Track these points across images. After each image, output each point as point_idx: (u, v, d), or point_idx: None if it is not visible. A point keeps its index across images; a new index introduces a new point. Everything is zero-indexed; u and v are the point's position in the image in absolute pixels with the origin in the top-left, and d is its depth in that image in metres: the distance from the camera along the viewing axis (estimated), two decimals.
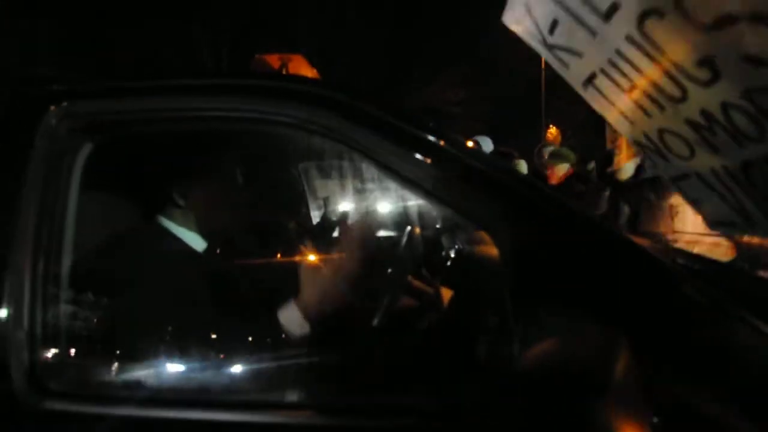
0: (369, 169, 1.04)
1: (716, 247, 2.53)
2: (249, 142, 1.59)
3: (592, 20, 0.93)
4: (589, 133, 15.67)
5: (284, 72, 1.95)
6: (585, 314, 0.66)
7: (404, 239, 1.26)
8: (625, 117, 1.16)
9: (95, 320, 1.00)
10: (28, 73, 1.10)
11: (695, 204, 1.23)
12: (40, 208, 0.88)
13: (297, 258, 1.87)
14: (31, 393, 0.81)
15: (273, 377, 0.89)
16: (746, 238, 2.58)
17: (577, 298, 0.73)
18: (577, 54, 1.09)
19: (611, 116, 1.22)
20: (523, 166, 4.41)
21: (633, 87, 1.03)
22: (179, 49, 13.99)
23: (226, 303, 1.10)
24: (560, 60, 1.17)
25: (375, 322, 0.99)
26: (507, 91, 18.45)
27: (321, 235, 2.40)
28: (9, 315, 0.83)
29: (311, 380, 0.89)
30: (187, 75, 1.03)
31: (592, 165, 6.63)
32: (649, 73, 0.94)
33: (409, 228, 1.32)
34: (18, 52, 9.43)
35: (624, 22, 0.87)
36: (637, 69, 0.95)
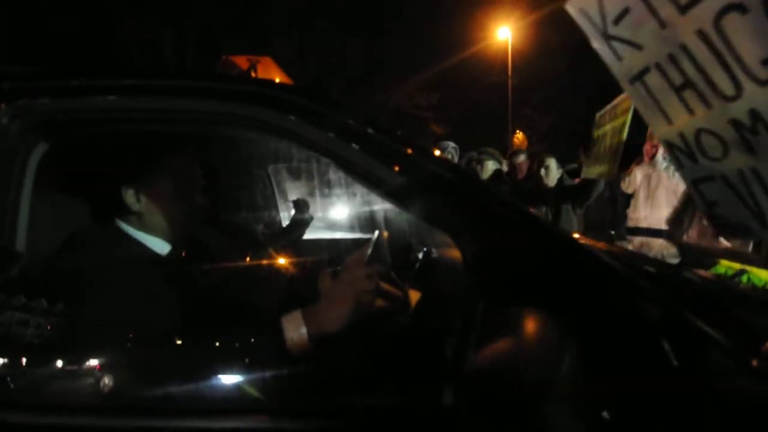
0: (336, 173, 1.04)
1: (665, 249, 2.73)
2: (208, 143, 1.56)
3: (667, 12, 0.95)
4: (553, 139, 16.16)
5: (253, 73, 1.93)
6: (538, 314, 0.68)
7: (372, 243, 1.26)
8: (666, 115, 1.18)
9: (48, 326, 0.96)
10: None
11: (710, 207, 1.25)
12: None
13: (264, 260, 1.84)
14: None
15: (241, 383, 0.87)
16: (685, 238, 2.76)
17: (532, 298, 0.75)
18: (637, 47, 1.11)
19: (650, 114, 1.23)
20: (489, 168, 4.46)
21: (685, 84, 1.05)
22: (144, 46, 13.61)
23: (189, 306, 1.08)
24: (614, 52, 1.18)
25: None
26: (476, 97, 18.81)
27: (288, 238, 2.38)
28: None
29: (290, 384, 0.88)
30: (145, 75, 1.00)
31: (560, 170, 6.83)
32: (709, 70, 0.97)
33: (377, 232, 1.32)
34: None
35: (700, 16, 0.89)
36: (698, 65, 0.98)
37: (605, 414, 0.52)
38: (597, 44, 1.24)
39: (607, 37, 1.19)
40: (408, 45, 17.06)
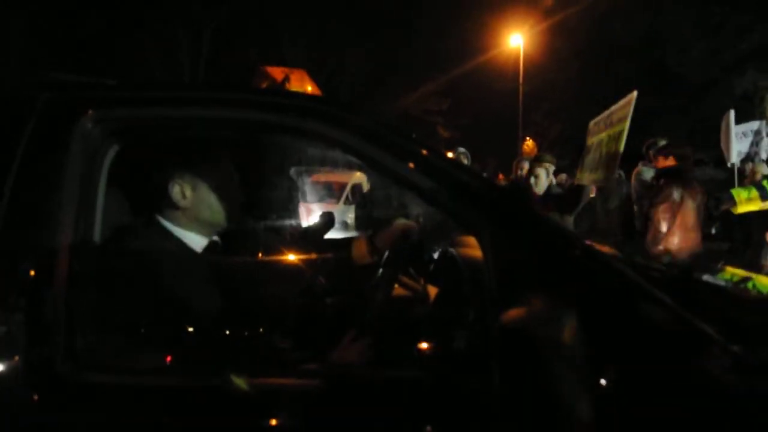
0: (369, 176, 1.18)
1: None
2: (249, 148, 1.70)
3: None
4: (562, 146, 16.21)
5: (287, 84, 2.08)
6: (549, 300, 0.80)
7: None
8: None
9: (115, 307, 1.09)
10: (55, 79, 1.18)
11: None
12: (78, 205, 0.98)
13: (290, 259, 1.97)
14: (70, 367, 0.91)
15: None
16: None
17: (546, 290, 0.88)
18: None
19: None
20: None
21: None
22: (160, 50, 13.88)
23: (226, 298, 1.20)
24: None
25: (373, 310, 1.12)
26: (487, 103, 18.91)
27: (309, 239, 2.51)
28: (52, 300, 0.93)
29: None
30: (205, 88, 1.14)
31: (564, 176, 6.94)
32: None
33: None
34: None
35: None
36: None
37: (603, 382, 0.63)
38: None
39: None
40: (421, 51, 17.22)
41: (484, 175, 4.74)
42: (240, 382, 0.89)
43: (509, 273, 0.87)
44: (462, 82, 18.05)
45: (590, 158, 3.27)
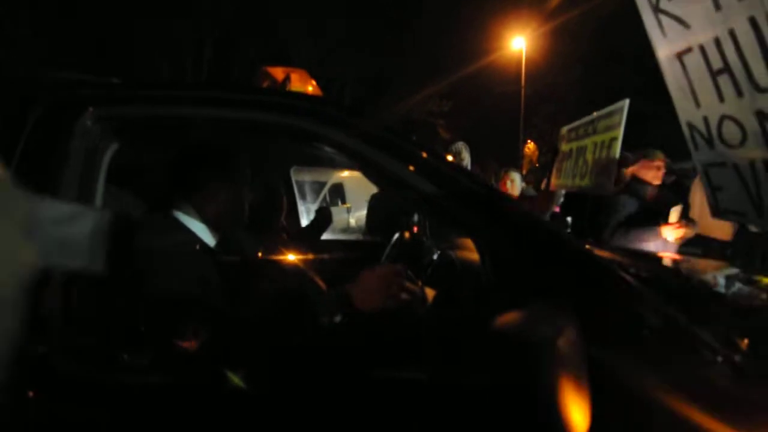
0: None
1: None
2: (254, 147, 1.70)
3: None
4: None
5: (288, 84, 2.07)
6: (544, 301, 0.80)
7: (394, 242, 1.40)
8: (695, 98, 1.21)
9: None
10: (56, 77, 1.18)
11: (714, 191, 1.31)
12: (77, 201, 0.99)
13: (289, 256, 1.98)
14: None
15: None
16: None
17: (540, 289, 0.88)
18: (684, 24, 1.13)
19: (681, 95, 1.26)
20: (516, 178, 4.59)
21: (723, 69, 1.08)
22: (163, 48, 13.87)
23: (234, 291, 1.21)
24: (660, 26, 1.21)
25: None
26: (489, 106, 18.92)
27: (308, 237, 2.52)
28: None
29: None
30: (203, 87, 1.14)
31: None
32: (749, 58, 0.99)
33: (398, 233, 1.46)
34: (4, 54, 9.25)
35: (757, 4, 0.92)
36: (740, 52, 1.00)
37: None
38: (646, 16, 1.26)
39: (658, 11, 1.20)
40: (423, 53, 17.23)
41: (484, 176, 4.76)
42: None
43: (506, 275, 0.88)
44: (464, 85, 18.05)
45: (569, 164, 3.27)
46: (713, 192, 1.35)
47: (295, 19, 15.20)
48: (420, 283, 1.60)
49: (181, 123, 1.11)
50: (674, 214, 2.85)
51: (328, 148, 1.08)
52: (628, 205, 3.01)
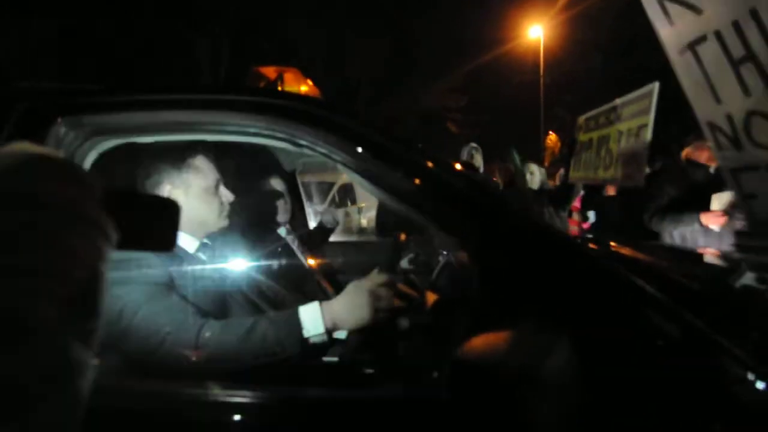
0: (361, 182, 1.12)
1: None
2: (239, 150, 1.65)
3: None
4: None
5: (280, 83, 2.02)
6: (538, 316, 0.73)
7: (392, 247, 1.33)
8: (715, 93, 1.06)
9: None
10: (33, 86, 1.15)
11: (746, 198, 1.14)
12: None
13: (289, 260, 1.93)
14: None
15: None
16: None
17: (535, 300, 0.80)
18: (695, 10, 0.99)
19: (696, 90, 1.11)
20: (536, 170, 4.46)
21: (746, 57, 0.94)
22: (179, 53, 14.04)
23: (213, 300, 1.16)
24: (667, 14, 1.07)
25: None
26: (508, 98, 18.57)
27: (314, 241, 2.47)
28: None
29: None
30: (179, 90, 1.09)
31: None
32: None
33: (395, 238, 1.39)
34: (11, 55, 9.44)
35: None
36: (766, 35, 0.87)
37: None
38: (649, 6, 1.11)
39: None
40: (438, 45, 17.02)
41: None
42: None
43: (495, 279, 0.80)
44: (481, 76, 17.77)
45: (589, 155, 3.13)
46: (745, 201, 1.16)
47: (304, 19, 15.19)
48: (423, 289, 1.54)
49: (156, 128, 1.07)
50: (716, 201, 2.63)
51: (308, 150, 1.02)
52: (671, 191, 2.87)
